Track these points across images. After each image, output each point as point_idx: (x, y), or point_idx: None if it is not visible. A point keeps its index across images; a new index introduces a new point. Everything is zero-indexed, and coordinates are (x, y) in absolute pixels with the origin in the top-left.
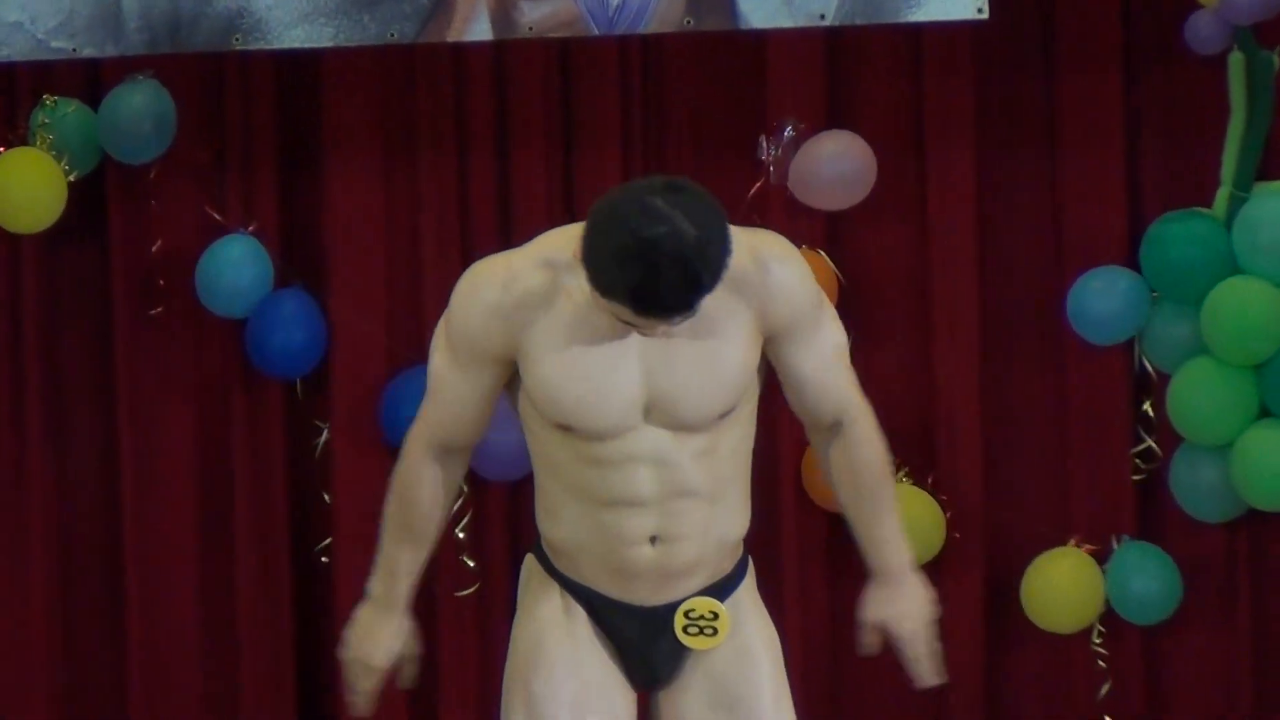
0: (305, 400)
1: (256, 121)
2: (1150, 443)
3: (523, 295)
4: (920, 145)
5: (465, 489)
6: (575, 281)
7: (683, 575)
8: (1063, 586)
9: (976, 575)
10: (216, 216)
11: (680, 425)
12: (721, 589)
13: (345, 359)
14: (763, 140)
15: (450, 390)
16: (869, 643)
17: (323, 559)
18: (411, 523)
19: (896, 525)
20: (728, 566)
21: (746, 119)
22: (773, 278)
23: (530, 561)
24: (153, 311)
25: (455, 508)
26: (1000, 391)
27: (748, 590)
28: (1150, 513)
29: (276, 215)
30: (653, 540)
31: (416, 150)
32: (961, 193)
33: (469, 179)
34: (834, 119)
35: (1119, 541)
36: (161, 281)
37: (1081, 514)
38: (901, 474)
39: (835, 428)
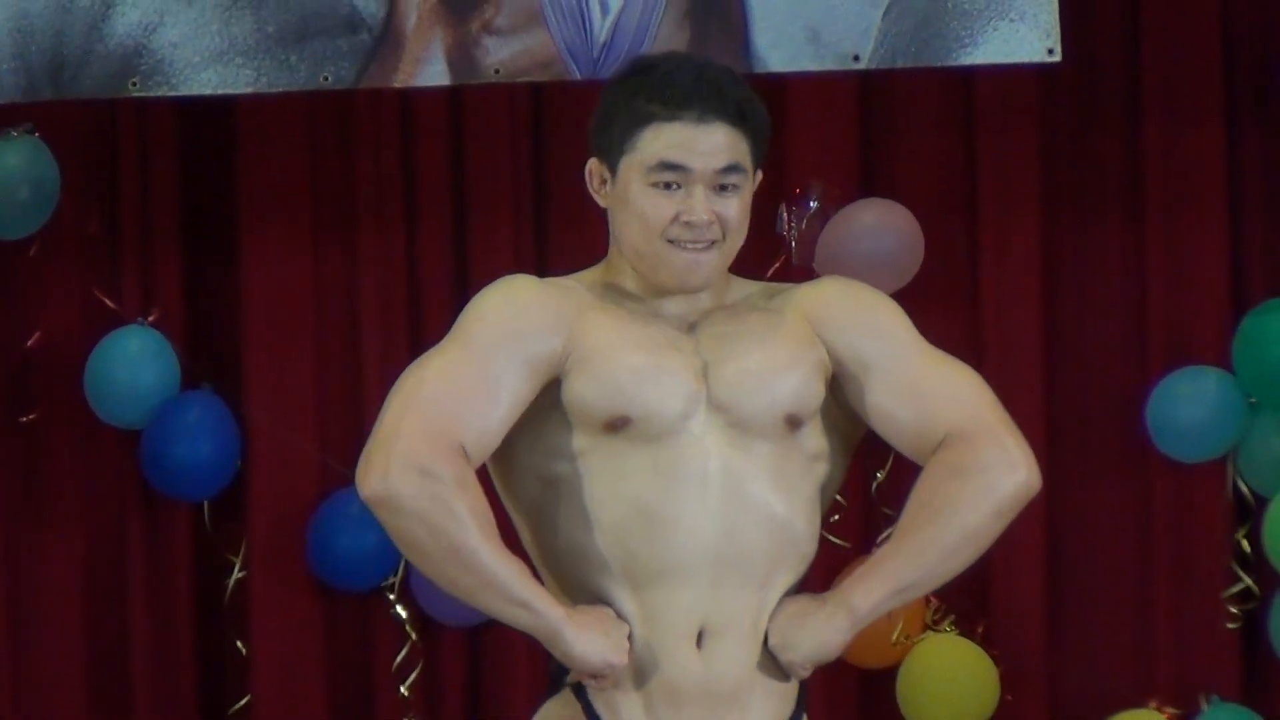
0: (215, 528)
1: (157, 186)
2: (1248, 581)
3: (567, 291)
4: (974, 217)
5: (413, 635)
6: (614, 279)
7: (732, 706)
8: None
9: None
10: (109, 303)
11: (741, 420)
12: None
13: (264, 477)
14: (782, 210)
15: (465, 385)
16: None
17: None
18: (485, 527)
19: (905, 571)
20: (789, 705)
21: (762, 184)
22: (819, 284)
23: (553, 710)
24: (24, 418)
25: (400, 659)
26: (1065, 518)
27: None
28: (1247, 667)
29: (181, 301)
30: (700, 639)
31: (354, 222)
32: (1024, 275)
33: (419, 257)
34: (870, 184)
35: (1208, 702)
36: (40, 382)
37: (1164, 669)
38: (946, 622)
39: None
